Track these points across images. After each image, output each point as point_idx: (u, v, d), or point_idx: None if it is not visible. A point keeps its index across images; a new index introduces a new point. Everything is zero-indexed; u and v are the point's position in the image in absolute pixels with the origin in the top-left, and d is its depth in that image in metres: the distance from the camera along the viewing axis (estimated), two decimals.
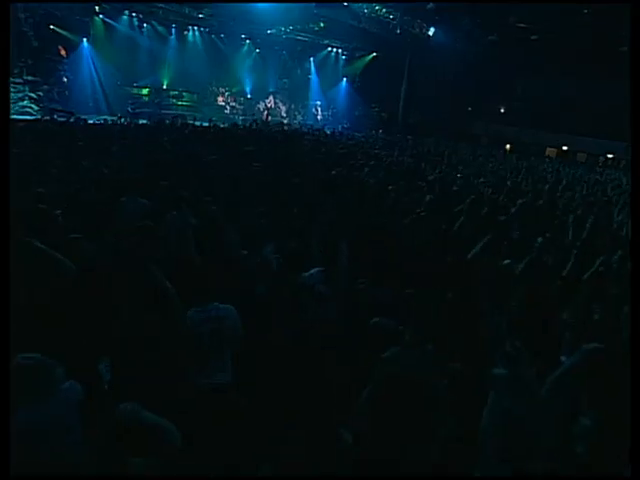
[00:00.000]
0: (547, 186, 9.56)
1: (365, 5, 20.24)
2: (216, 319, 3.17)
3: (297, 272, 3.75)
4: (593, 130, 26.76)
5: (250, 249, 4.08)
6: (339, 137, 18.65)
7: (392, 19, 21.30)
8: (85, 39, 20.68)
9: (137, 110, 18.01)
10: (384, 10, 21.09)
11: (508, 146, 30.69)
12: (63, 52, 18.84)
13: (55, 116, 12.55)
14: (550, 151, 29.75)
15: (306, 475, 1.87)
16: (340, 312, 3.44)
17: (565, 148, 29.19)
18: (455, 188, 8.28)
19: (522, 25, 21.18)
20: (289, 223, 4.61)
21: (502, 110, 31.85)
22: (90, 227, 4.27)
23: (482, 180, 10.92)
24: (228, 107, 25.78)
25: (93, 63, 21.22)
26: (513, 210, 6.88)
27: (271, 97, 26.34)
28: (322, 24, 25.55)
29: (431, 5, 19.79)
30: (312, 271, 3.88)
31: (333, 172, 7.86)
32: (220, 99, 25.94)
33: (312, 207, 5.28)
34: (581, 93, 27.62)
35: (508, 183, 9.60)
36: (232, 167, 7.77)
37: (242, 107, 26.05)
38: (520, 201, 6.74)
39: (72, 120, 12.50)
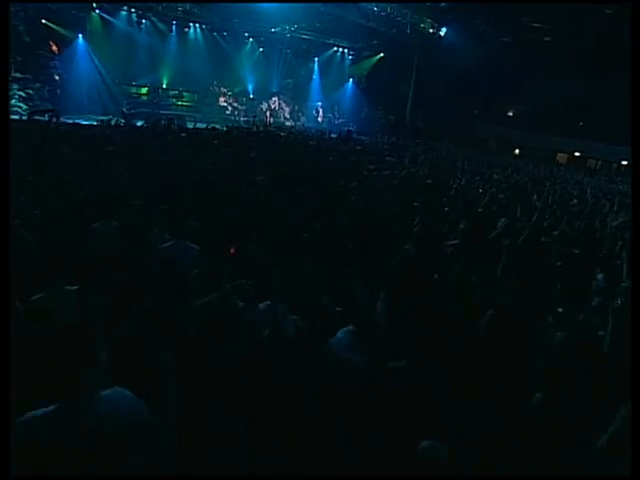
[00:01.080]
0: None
1: (374, 3, 19.27)
2: None
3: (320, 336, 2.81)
4: (606, 136, 25.78)
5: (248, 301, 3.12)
6: (347, 141, 17.68)
7: (402, 18, 20.31)
8: (80, 35, 19.76)
9: (133, 111, 17.04)
10: (394, 8, 20.09)
11: (517, 151, 29.82)
12: (55, 48, 17.86)
13: (36, 117, 11.47)
14: (561, 156, 28.83)
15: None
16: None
17: (578, 154, 28.23)
18: (480, 209, 7.35)
19: (537, 25, 20.20)
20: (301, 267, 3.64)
21: (510, 113, 30.92)
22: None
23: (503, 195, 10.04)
24: (230, 108, 24.83)
25: (89, 60, 20.29)
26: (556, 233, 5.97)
27: (275, 98, 25.38)
28: (328, 23, 24.65)
29: (445, 4, 18.81)
30: (340, 333, 2.96)
31: (353, 198, 6.87)
32: (222, 99, 25.00)
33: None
34: (595, 97, 26.68)
35: (537, 204, 8.63)
36: (232, 184, 6.81)
37: (244, 108, 25.10)
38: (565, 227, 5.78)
39: (54, 120, 11.47)
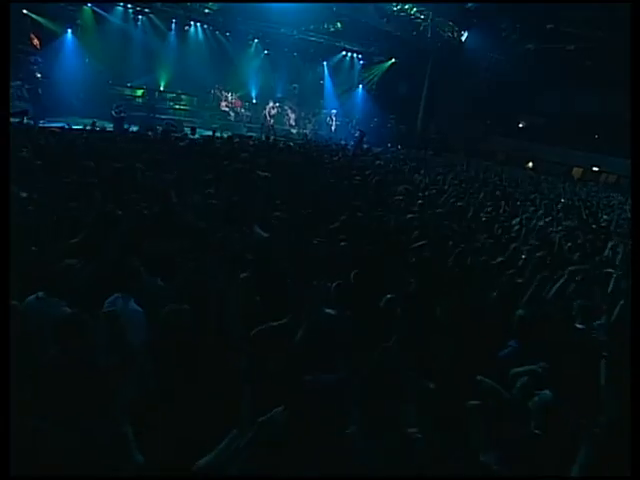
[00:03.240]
0: None
1: (395, 3, 17.62)
2: None
3: None
4: (626, 150, 24.15)
5: None
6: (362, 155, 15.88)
7: (423, 20, 18.67)
8: (70, 30, 17.94)
9: (122, 114, 15.15)
10: (414, 9, 18.46)
11: (530, 164, 28.33)
12: (36, 42, 15.96)
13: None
14: (576, 171, 27.37)
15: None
16: None
17: (596, 169, 26.70)
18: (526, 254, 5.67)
19: (569, 30, 18.65)
20: None
21: (522, 124, 29.38)
22: None
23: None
24: (232, 113, 23.07)
25: (78, 58, 18.50)
26: None
27: (272, 102, 23.50)
28: (339, 25, 23.08)
29: (472, 4, 17.14)
30: None
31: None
32: (223, 104, 23.24)
33: None
34: (613, 109, 25.20)
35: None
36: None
37: (249, 113, 23.35)
38: None
39: (27, 123, 9.61)
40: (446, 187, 11.01)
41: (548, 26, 20.64)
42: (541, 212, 9.74)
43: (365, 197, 8.16)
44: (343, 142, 18.69)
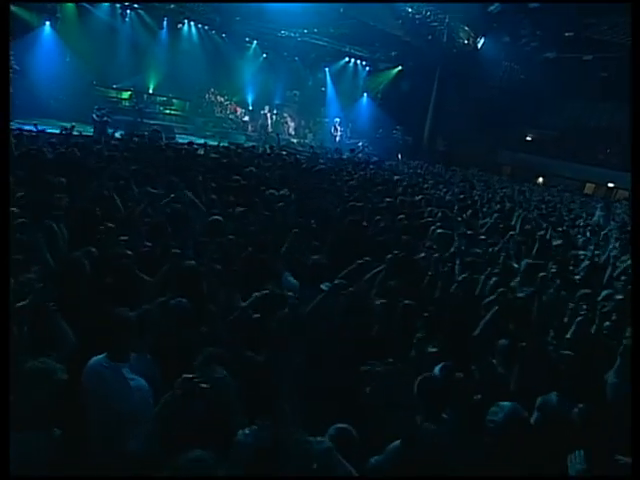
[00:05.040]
0: None
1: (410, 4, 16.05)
2: None
3: None
4: None
5: None
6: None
7: (438, 23, 17.16)
8: (48, 22, 15.97)
9: (106, 118, 13.31)
10: (429, 12, 16.95)
11: (541, 179, 27.05)
12: None
13: None
14: (589, 187, 26.14)
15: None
16: None
17: (611, 185, 25.46)
18: None
19: (591, 36, 17.34)
20: None
21: (530, 137, 28.08)
22: None
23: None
24: (228, 120, 21.26)
25: (58, 54, 16.55)
26: None
27: (267, 109, 21.79)
28: (345, 28, 21.51)
29: (496, 6, 15.59)
30: None
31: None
32: (218, 110, 21.43)
33: None
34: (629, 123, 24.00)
35: None
36: None
37: (246, 121, 21.59)
38: None
39: None
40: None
41: (567, 34, 19.35)
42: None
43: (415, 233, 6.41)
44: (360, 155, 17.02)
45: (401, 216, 7.32)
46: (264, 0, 18.33)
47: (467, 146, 24.85)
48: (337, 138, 21.16)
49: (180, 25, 20.08)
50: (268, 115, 21.44)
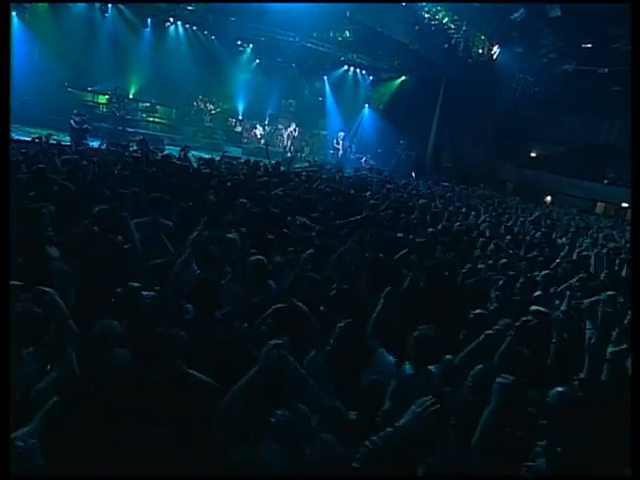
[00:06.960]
0: None
1: (427, 6, 14.46)
2: None
3: None
4: None
5: None
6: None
7: (455, 31, 15.63)
8: (15, 13, 13.70)
9: (86, 125, 11.23)
10: (447, 19, 15.41)
11: (549, 198, 25.92)
12: None
13: None
14: (600, 206, 25.11)
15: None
16: None
17: (625, 205, 24.46)
18: None
19: (617, 46, 16.18)
20: None
21: (539, 153, 27.01)
22: None
23: None
24: (218, 130, 19.24)
25: (27, 51, 14.32)
26: None
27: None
28: (348, 33, 19.91)
29: (521, 12, 14.14)
30: None
31: None
32: (207, 119, 19.40)
33: None
34: None
35: None
36: None
37: (238, 132, 19.67)
38: None
39: None
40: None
41: (584, 45, 18.20)
42: None
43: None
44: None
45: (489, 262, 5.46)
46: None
47: (474, 161, 23.47)
48: (340, 152, 19.36)
49: (167, 24, 18.04)
50: (286, 133, 19.72)
